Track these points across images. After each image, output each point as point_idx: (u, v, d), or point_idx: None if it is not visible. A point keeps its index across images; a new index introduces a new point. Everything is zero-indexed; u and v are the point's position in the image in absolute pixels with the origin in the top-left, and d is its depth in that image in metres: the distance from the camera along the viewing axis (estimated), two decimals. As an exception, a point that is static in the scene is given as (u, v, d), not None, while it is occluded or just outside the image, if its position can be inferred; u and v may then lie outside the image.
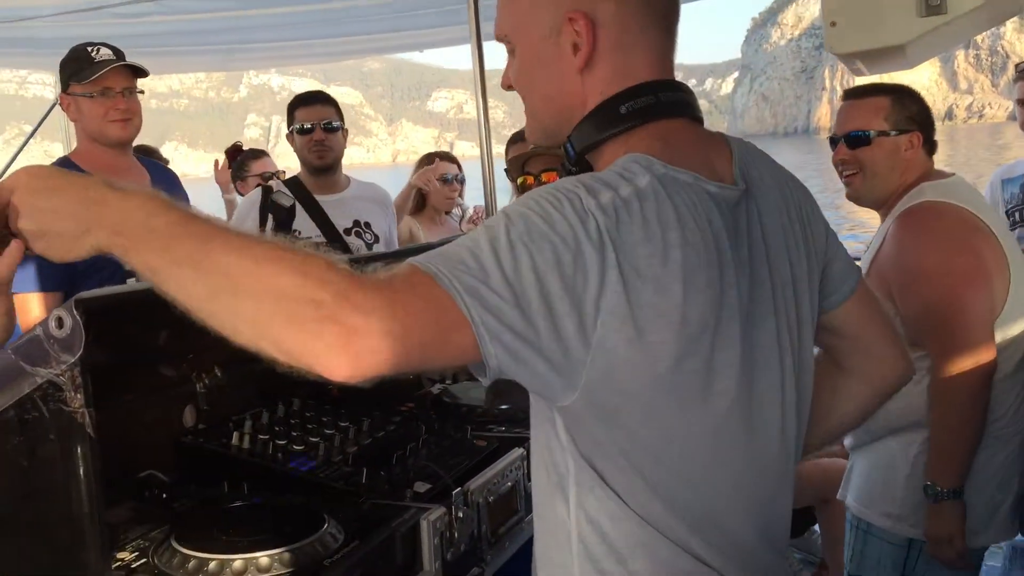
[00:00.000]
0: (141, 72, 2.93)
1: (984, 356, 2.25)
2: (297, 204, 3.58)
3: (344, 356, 0.93)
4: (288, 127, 3.68)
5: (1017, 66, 4.14)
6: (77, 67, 2.87)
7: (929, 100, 2.61)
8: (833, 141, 2.53)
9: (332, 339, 0.92)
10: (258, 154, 5.31)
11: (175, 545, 1.44)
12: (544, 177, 2.89)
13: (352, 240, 3.61)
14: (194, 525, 1.53)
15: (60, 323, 1.22)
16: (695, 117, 1.25)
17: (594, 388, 1.07)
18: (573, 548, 1.19)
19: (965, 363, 2.25)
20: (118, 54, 2.90)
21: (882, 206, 2.53)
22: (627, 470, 1.15)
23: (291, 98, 3.65)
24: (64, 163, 2.96)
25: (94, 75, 2.83)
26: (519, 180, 3.04)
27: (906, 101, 2.48)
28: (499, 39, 1.29)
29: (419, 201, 4.50)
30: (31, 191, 1.05)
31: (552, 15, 1.20)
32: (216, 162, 5.21)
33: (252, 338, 0.96)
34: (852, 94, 2.57)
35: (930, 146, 2.49)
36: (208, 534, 1.48)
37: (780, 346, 1.25)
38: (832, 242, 1.39)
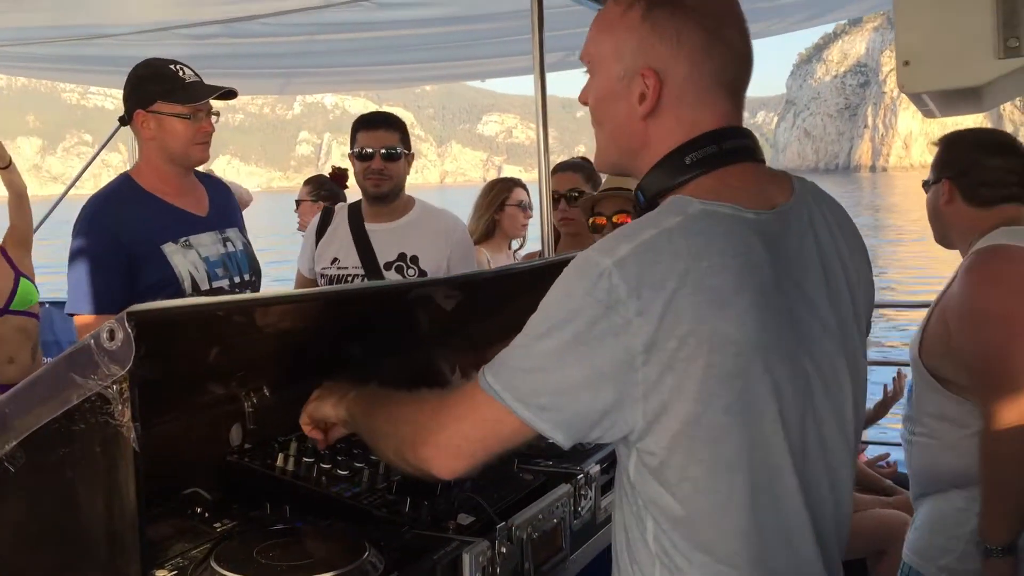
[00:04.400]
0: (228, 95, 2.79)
1: None
2: (348, 232, 3.44)
3: (440, 464, 1.33)
4: (350, 148, 3.44)
5: None
6: (169, 86, 2.72)
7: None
8: None
9: (431, 456, 1.34)
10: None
11: (214, 566, 1.42)
12: (616, 219, 2.90)
13: (391, 275, 3.37)
14: (234, 547, 1.51)
15: (112, 335, 1.21)
16: (757, 159, 1.39)
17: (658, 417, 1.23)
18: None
19: (1013, 415, 2.14)
20: (197, 75, 2.79)
21: (956, 248, 2.48)
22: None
23: (348, 117, 3.58)
24: (125, 181, 2.82)
25: (194, 98, 2.71)
26: (590, 220, 3.02)
27: (945, 148, 2.44)
28: (582, 59, 1.45)
29: (490, 228, 4.38)
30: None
31: (630, 64, 1.35)
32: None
33: (395, 461, 1.45)
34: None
35: (971, 193, 2.37)
36: (248, 557, 1.46)
37: (846, 352, 1.37)
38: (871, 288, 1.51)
